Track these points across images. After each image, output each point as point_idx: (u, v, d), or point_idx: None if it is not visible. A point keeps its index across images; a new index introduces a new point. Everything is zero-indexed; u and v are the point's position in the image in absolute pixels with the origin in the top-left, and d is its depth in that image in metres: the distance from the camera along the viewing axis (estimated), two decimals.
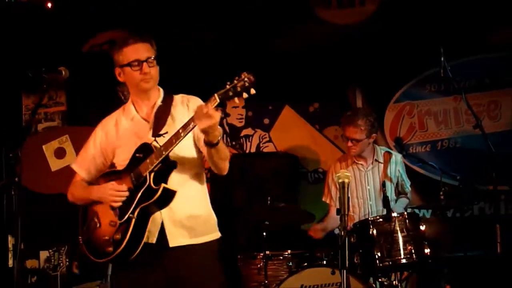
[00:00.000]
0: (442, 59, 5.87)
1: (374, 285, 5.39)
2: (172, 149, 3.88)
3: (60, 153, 7.68)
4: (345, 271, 4.01)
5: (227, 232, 7.02)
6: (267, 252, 5.81)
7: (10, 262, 5.10)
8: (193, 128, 3.80)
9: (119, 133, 4.29)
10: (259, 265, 5.82)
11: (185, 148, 4.10)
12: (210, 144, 3.85)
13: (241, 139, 7.76)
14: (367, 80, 7.34)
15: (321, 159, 7.49)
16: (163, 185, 3.93)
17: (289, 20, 7.02)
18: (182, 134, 3.83)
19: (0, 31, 6.82)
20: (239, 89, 3.60)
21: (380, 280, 5.56)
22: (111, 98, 7.04)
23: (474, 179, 6.59)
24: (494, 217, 6.77)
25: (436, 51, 5.89)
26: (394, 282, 5.62)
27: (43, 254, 7.11)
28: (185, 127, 3.82)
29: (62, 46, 6.61)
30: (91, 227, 4.23)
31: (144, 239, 3.99)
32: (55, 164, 7.70)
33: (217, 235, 4.30)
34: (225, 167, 4.10)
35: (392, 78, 7.40)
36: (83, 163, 4.41)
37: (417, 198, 6.40)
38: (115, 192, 4.05)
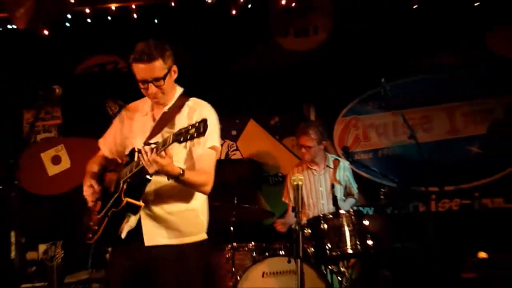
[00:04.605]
0: (382, 80, 5.90)
1: (324, 272, 5.38)
2: (140, 168, 3.52)
3: (56, 160, 7.59)
4: (299, 260, 4.00)
5: None
6: (234, 244, 5.77)
7: (13, 254, 4.99)
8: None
9: (133, 125, 3.94)
10: (227, 255, 5.78)
11: (176, 149, 3.64)
12: (172, 180, 3.57)
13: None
14: (320, 98, 7.35)
15: (281, 165, 7.48)
16: (127, 199, 3.60)
17: (253, 46, 7.02)
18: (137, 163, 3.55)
19: (3, 56, 6.74)
20: (188, 136, 3.28)
21: (330, 267, 5.55)
22: (101, 113, 6.98)
23: (409, 181, 6.60)
24: (426, 214, 6.85)
25: (378, 74, 5.93)
26: (342, 269, 5.63)
27: (42, 247, 7.03)
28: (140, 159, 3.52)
29: (58, 68, 6.55)
30: (89, 209, 3.96)
31: (119, 234, 3.71)
32: (51, 170, 7.61)
33: (203, 236, 3.91)
34: (202, 190, 3.80)
35: (340, 96, 7.43)
36: (106, 141, 4.09)
37: (361, 198, 6.41)
38: (87, 194, 3.84)
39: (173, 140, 3.33)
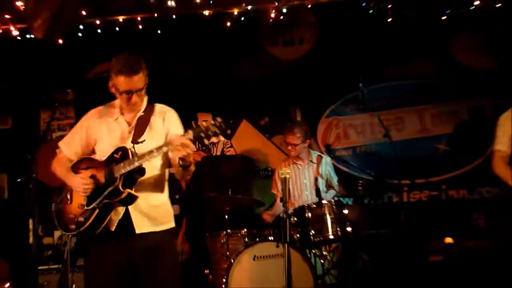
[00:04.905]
0: (360, 85, 5.91)
1: (309, 255, 5.38)
2: (143, 163, 3.61)
3: None
4: (286, 244, 4.02)
5: (198, 216, 7.03)
6: (228, 231, 5.75)
7: (31, 240, 4.97)
8: (165, 151, 3.57)
9: (103, 128, 3.90)
10: (222, 241, 5.75)
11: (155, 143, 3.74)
12: (183, 167, 3.63)
13: (210, 145, 7.70)
14: (305, 100, 7.35)
15: (270, 160, 7.46)
16: (128, 190, 3.65)
17: (245, 55, 7.01)
18: (155, 154, 3.57)
19: (23, 62, 6.71)
20: (210, 133, 3.42)
21: (313, 251, 5.55)
22: None
23: (384, 175, 6.62)
24: (399, 204, 6.86)
25: (356, 79, 5.93)
26: (324, 253, 5.67)
27: (57, 233, 6.99)
28: (158, 149, 3.56)
29: (71, 73, 6.52)
30: (63, 200, 3.89)
31: (104, 226, 3.69)
32: None
33: (172, 224, 3.97)
34: (188, 178, 3.88)
35: (323, 99, 7.43)
36: (70, 145, 3.98)
37: (341, 189, 6.41)
38: (83, 186, 3.72)
39: (194, 138, 3.45)
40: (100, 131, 3.92)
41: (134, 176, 3.71)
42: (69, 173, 3.90)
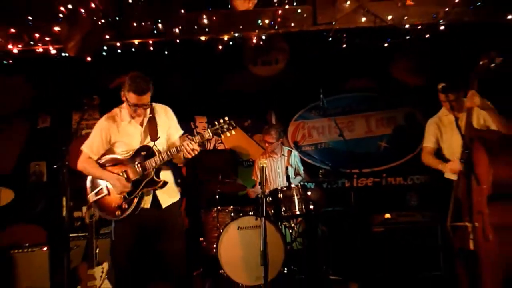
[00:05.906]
0: (321, 96, 5.95)
1: (280, 227, 5.41)
2: (169, 159, 3.74)
3: None
4: (263, 218, 4.04)
5: (195, 196, 7.01)
6: (218, 207, 5.78)
7: (64, 214, 4.95)
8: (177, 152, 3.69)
9: (119, 131, 3.91)
10: (213, 215, 5.78)
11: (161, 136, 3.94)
12: (186, 159, 3.76)
13: (204, 141, 7.67)
14: (278, 107, 7.35)
15: (251, 154, 7.46)
16: (163, 180, 3.81)
17: (233, 71, 7.01)
18: (175, 151, 3.69)
19: (59, 75, 6.66)
20: (225, 129, 3.62)
21: (284, 223, 5.59)
22: None
23: (338, 165, 6.66)
24: (350, 188, 6.88)
25: (318, 92, 5.96)
26: (292, 225, 5.69)
27: (84, 208, 6.92)
28: (178, 148, 3.67)
29: (97, 83, 6.48)
30: (100, 193, 3.89)
31: (141, 206, 3.81)
32: None
33: (178, 197, 4.07)
34: (184, 162, 3.98)
35: (293, 106, 7.44)
36: (93, 148, 3.97)
37: (306, 176, 6.44)
38: (123, 186, 3.77)
39: (213, 134, 3.64)
40: (117, 134, 3.92)
41: (160, 168, 3.82)
42: (103, 171, 3.89)
